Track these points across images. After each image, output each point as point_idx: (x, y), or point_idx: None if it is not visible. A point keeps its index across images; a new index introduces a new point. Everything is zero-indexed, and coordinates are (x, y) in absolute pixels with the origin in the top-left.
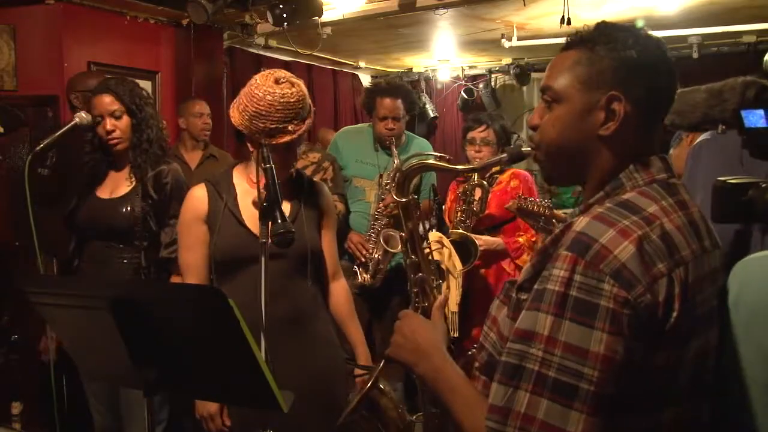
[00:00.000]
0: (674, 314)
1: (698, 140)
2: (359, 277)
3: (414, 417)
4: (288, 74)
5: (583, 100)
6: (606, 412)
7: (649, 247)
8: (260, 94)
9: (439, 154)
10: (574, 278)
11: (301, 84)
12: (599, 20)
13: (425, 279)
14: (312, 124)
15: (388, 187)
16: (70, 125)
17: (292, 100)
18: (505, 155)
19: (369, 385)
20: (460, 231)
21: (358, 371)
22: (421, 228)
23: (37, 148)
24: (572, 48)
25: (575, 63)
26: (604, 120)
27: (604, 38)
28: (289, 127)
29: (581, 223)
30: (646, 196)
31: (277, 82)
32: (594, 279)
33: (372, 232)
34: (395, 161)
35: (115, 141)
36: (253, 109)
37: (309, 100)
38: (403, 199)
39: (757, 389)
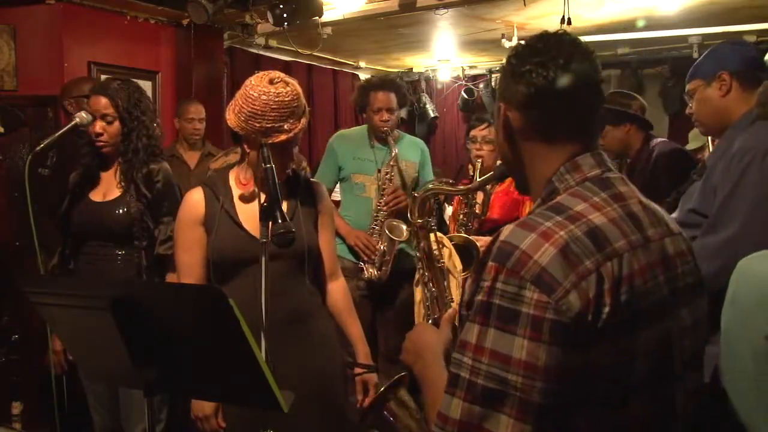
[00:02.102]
0: (606, 309)
1: (747, 149)
2: (366, 273)
3: None
4: (282, 75)
5: (497, 114)
6: (537, 416)
7: (574, 246)
8: (255, 95)
9: (444, 180)
10: (496, 287)
11: (295, 83)
12: (597, 21)
13: (439, 294)
14: (307, 123)
15: (388, 176)
16: (70, 125)
17: (286, 99)
18: (492, 173)
19: (385, 387)
20: (464, 235)
21: (358, 370)
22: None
23: (37, 148)
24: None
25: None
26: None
27: (510, 57)
28: (285, 126)
29: (505, 231)
30: (576, 195)
31: (271, 82)
32: (515, 286)
33: (375, 225)
34: (394, 151)
35: (101, 144)
36: (249, 109)
37: (303, 100)
38: (420, 221)
39: (748, 382)
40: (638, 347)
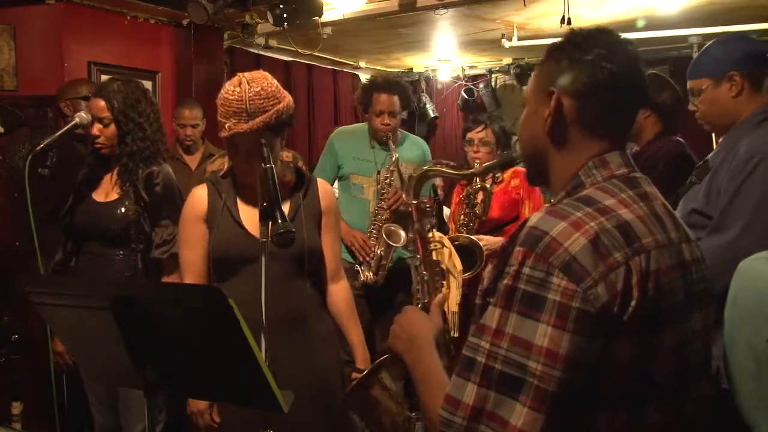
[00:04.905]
0: (633, 303)
1: (754, 153)
2: (362, 275)
3: (414, 414)
4: (252, 77)
5: (535, 100)
6: (553, 407)
7: (604, 238)
8: (221, 91)
9: (444, 161)
10: (522, 271)
11: (258, 88)
12: (598, 21)
13: (428, 278)
14: (265, 124)
15: (388, 181)
16: (70, 125)
17: (231, 98)
18: (496, 161)
19: (368, 372)
20: (467, 235)
21: (355, 375)
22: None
23: (37, 148)
24: (545, 56)
25: (538, 68)
26: (547, 116)
27: (566, 44)
28: (227, 124)
29: (534, 218)
30: (603, 190)
31: (239, 82)
32: (543, 272)
33: (373, 229)
34: (394, 156)
35: (99, 146)
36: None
37: (266, 105)
38: (414, 202)
39: (748, 380)
40: (658, 347)
